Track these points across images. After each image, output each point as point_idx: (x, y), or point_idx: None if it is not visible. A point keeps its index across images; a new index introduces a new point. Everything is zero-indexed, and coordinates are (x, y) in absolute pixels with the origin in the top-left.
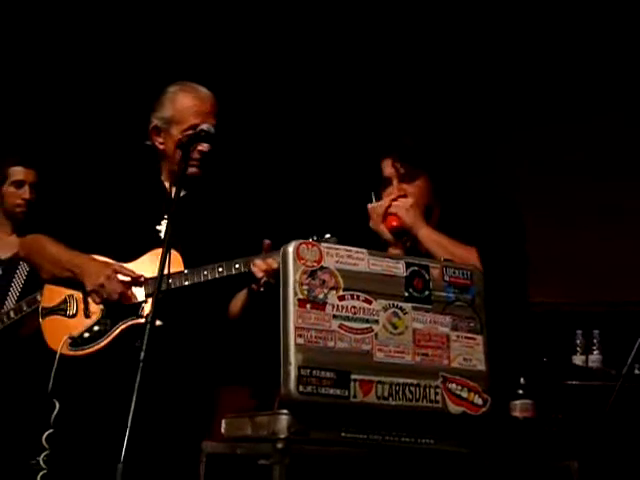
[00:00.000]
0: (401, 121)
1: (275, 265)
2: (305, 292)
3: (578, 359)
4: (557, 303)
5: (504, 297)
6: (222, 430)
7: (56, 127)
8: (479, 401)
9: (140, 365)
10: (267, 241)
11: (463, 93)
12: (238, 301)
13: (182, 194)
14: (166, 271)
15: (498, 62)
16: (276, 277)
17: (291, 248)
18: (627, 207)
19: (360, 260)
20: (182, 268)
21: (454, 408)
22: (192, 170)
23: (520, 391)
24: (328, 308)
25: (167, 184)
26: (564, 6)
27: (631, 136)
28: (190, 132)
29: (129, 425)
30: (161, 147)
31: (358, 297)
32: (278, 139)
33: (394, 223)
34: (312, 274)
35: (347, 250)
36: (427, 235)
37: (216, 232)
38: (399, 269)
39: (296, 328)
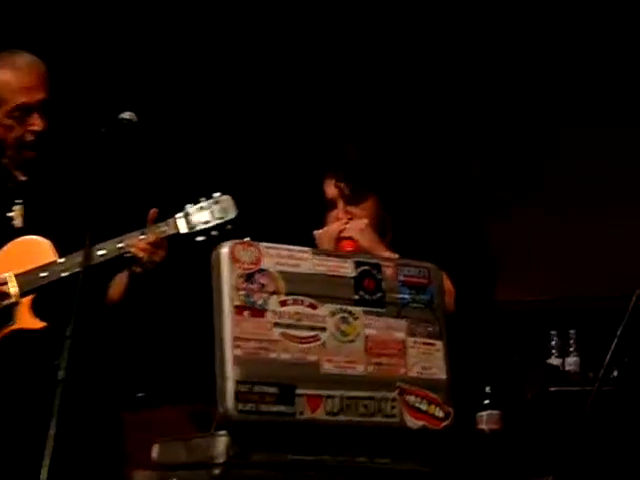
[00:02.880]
0: (344, 133)
1: (155, 239)
2: (242, 298)
3: (554, 362)
4: (527, 301)
5: (468, 297)
6: (153, 456)
7: None
8: (440, 414)
9: (58, 385)
10: (154, 210)
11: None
12: (117, 285)
13: (24, 179)
14: (39, 263)
15: (464, 58)
16: (160, 256)
17: (225, 249)
18: (602, 197)
19: (303, 260)
20: (55, 258)
21: (413, 422)
22: (28, 153)
23: (486, 401)
24: (269, 315)
25: (11, 169)
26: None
27: (609, 134)
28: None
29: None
30: None
31: (302, 302)
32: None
33: (349, 248)
34: (250, 277)
35: (289, 250)
36: (387, 259)
37: (78, 213)
38: (347, 269)
39: (233, 338)
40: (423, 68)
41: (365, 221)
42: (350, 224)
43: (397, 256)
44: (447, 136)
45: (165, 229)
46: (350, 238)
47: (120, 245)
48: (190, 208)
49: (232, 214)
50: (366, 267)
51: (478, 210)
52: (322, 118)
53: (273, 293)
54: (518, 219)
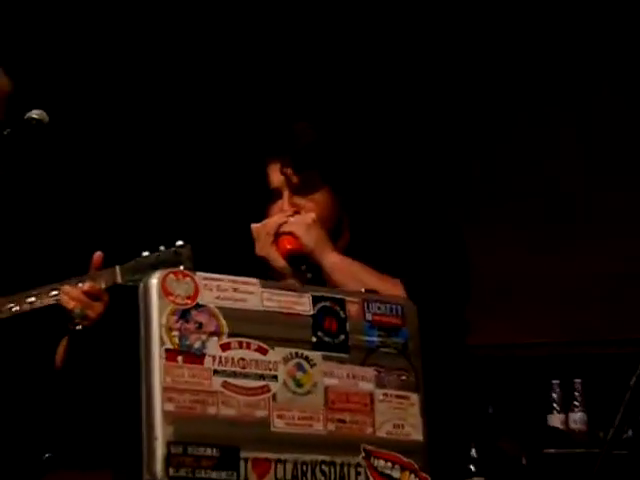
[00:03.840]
0: (294, 112)
1: (90, 288)
2: (175, 340)
3: (556, 419)
4: (523, 344)
5: (443, 340)
6: None
7: None
8: None
9: None
10: (98, 254)
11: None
12: (61, 346)
13: None
14: None
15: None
16: (96, 311)
17: (154, 280)
18: (610, 228)
19: (250, 294)
20: None
21: None
22: None
23: (471, 467)
24: (207, 361)
25: None
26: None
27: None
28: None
29: None
30: None
31: (248, 345)
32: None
33: (289, 246)
34: (184, 315)
35: (232, 281)
36: (336, 263)
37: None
38: (304, 305)
39: (164, 389)
40: (394, 50)
41: (312, 215)
42: (294, 218)
43: (351, 261)
44: (423, 128)
45: (106, 278)
46: (291, 234)
47: (55, 293)
48: (143, 257)
49: (187, 264)
50: (326, 303)
51: (454, 218)
52: (275, 91)
53: (213, 334)
54: (510, 248)
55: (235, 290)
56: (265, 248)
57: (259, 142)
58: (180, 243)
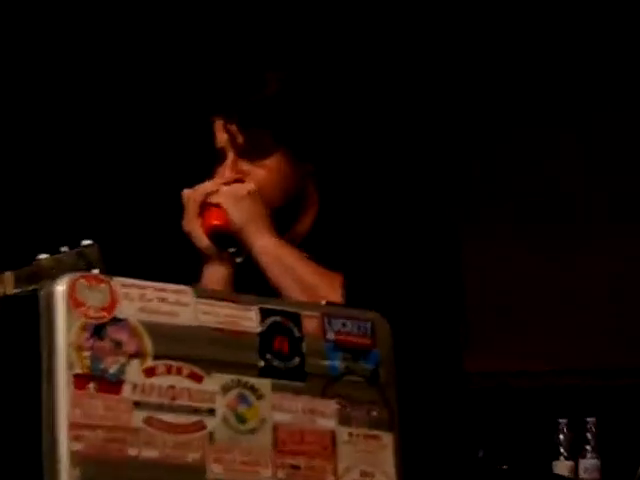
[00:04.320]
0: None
1: None
2: (86, 363)
3: (563, 467)
4: (524, 374)
5: (426, 366)
6: None
7: None
8: None
9: None
10: None
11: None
12: None
13: None
14: None
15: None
16: None
17: (60, 287)
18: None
19: (182, 306)
20: None
21: None
22: None
23: None
24: (127, 390)
25: None
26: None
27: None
28: None
29: None
30: None
31: (179, 370)
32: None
33: (215, 221)
34: (98, 331)
35: (159, 289)
36: (265, 247)
37: None
38: (250, 321)
39: (71, 425)
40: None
41: (250, 186)
42: (228, 186)
43: (286, 248)
44: (423, 128)
45: None
46: (219, 206)
47: None
48: (40, 261)
49: (97, 269)
50: (278, 318)
51: (451, 214)
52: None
53: (134, 356)
54: (510, 256)
55: (163, 300)
56: (191, 222)
57: (205, 95)
58: (87, 242)
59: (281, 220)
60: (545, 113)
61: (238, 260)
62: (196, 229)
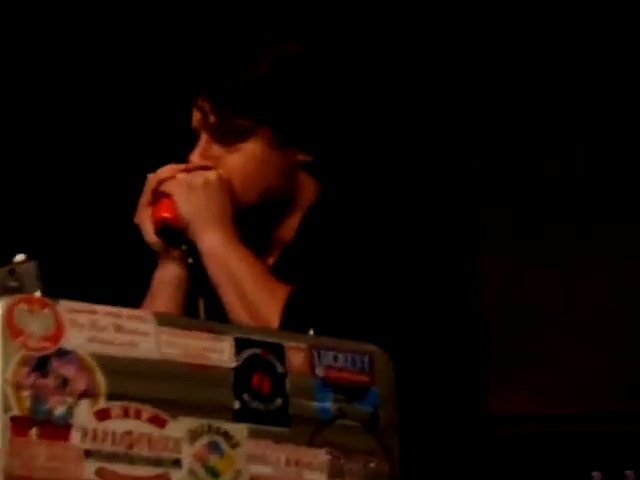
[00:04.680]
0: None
1: None
2: (26, 404)
3: None
4: (548, 417)
5: (435, 409)
6: None
7: None
8: None
9: None
10: None
11: None
12: None
13: None
14: None
15: None
16: None
17: None
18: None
19: (142, 335)
20: None
21: None
22: None
23: None
24: (75, 436)
25: None
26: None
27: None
28: None
29: None
30: None
31: (138, 413)
32: None
33: (165, 214)
34: (41, 365)
35: (114, 314)
36: (212, 249)
37: None
38: (223, 353)
39: (8, 477)
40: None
41: (212, 174)
42: (184, 174)
43: (236, 251)
44: (423, 128)
45: None
46: (170, 197)
47: None
48: None
49: (32, 288)
50: (256, 350)
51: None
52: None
53: (84, 395)
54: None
55: (118, 328)
56: (140, 212)
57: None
58: (21, 258)
59: (258, 221)
60: (545, 113)
61: (190, 261)
62: (145, 221)
